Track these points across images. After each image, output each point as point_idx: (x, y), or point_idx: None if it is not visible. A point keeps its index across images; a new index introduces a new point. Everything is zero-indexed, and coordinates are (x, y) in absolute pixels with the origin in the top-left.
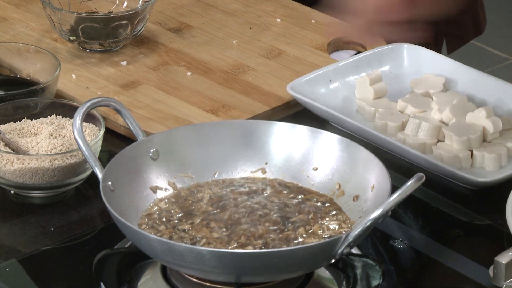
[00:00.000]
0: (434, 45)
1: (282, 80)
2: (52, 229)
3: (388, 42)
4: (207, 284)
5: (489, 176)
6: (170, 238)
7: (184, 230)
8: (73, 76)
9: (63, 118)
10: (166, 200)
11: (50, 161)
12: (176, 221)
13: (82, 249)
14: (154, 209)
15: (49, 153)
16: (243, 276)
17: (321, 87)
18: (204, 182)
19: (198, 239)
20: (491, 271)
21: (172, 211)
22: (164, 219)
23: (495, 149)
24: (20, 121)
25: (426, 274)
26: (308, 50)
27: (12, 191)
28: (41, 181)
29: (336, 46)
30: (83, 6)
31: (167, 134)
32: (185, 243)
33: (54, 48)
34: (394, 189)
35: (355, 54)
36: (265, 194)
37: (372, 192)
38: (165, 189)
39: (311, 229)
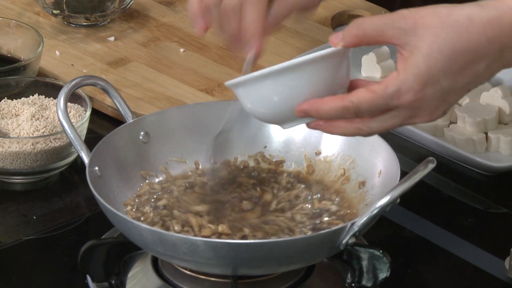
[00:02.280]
0: None
1: (282, 57)
2: (34, 217)
3: None
4: (202, 277)
5: (505, 161)
6: (152, 220)
7: (164, 207)
8: (57, 53)
9: (46, 98)
10: (157, 181)
11: (32, 145)
12: (159, 202)
13: (66, 240)
14: (143, 190)
15: (31, 135)
16: (240, 268)
17: None
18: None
19: (178, 213)
20: (507, 263)
21: (160, 193)
22: (152, 200)
23: None
24: None
25: (437, 266)
26: (309, 24)
27: None
28: (22, 166)
29: (341, 20)
30: None
31: (158, 116)
32: (164, 220)
33: (36, 23)
34: (402, 174)
35: None
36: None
37: (379, 178)
38: (156, 175)
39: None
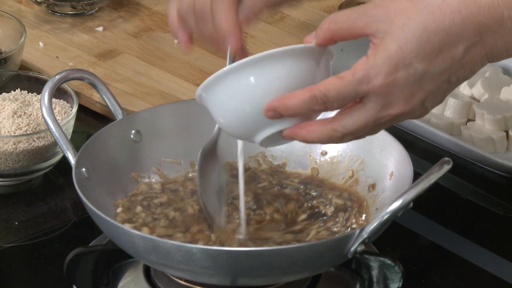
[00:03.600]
0: None
1: None
2: (16, 223)
3: None
4: (198, 287)
5: None
6: (144, 221)
7: (160, 205)
8: (41, 44)
9: (29, 93)
10: (153, 181)
11: (14, 144)
12: (156, 201)
13: (51, 247)
14: (140, 190)
15: (12, 134)
16: (240, 278)
17: None
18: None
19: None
20: None
21: (157, 193)
22: (147, 199)
23: None
24: None
25: (453, 275)
26: (316, 14)
27: None
28: (3, 167)
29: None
30: None
31: (151, 112)
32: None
33: (18, 12)
34: (416, 176)
35: None
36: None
37: (390, 180)
38: (149, 176)
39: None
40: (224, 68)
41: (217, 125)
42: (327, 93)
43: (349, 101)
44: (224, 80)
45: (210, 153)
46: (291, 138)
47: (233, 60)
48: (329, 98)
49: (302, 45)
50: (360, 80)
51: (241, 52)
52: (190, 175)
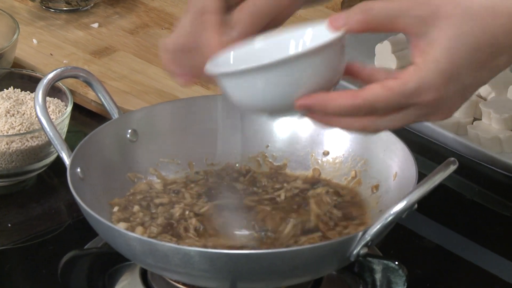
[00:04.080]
0: None
1: None
2: (9, 225)
3: None
4: None
5: None
6: (142, 220)
7: (161, 204)
8: (34, 41)
9: (23, 91)
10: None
11: (7, 144)
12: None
13: (45, 250)
14: (140, 189)
15: (5, 133)
16: (239, 282)
17: None
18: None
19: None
20: None
21: (155, 193)
22: (143, 201)
23: None
24: None
25: (459, 279)
26: (317, 10)
27: None
28: None
29: (352, 4)
30: None
31: (147, 111)
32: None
33: (11, 8)
34: (420, 177)
35: None
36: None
37: (394, 181)
38: (146, 177)
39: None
40: (260, 64)
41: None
42: (374, 105)
43: (394, 110)
44: (259, 73)
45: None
46: (311, 120)
47: None
48: (376, 109)
49: (337, 36)
50: (411, 94)
51: None
52: (192, 176)
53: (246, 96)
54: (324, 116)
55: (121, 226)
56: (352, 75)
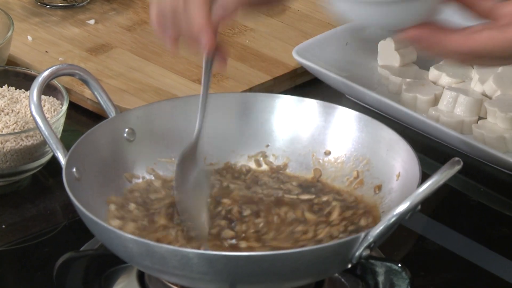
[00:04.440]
0: None
1: (286, 43)
2: (3, 226)
3: None
4: None
5: None
6: (137, 217)
7: (158, 199)
8: (29, 38)
9: (17, 90)
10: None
11: (1, 143)
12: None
13: (40, 252)
14: (138, 187)
15: None
16: (239, 284)
17: (335, 52)
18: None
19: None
20: None
21: (154, 191)
22: (140, 198)
23: None
24: None
25: (464, 282)
26: (318, 6)
27: None
28: None
29: None
30: None
31: (145, 110)
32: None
33: (5, 4)
34: (424, 177)
35: None
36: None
37: (397, 181)
38: (143, 177)
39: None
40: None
41: (196, 129)
42: (491, 54)
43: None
44: (379, 5)
45: (189, 158)
46: (411, 41)
47: (209, 61)
48: (491, 55)
49: None
50: None
51: (218, 51)
52: None
53: (361, 18)
54: (435, 47)
55: (114, 224)
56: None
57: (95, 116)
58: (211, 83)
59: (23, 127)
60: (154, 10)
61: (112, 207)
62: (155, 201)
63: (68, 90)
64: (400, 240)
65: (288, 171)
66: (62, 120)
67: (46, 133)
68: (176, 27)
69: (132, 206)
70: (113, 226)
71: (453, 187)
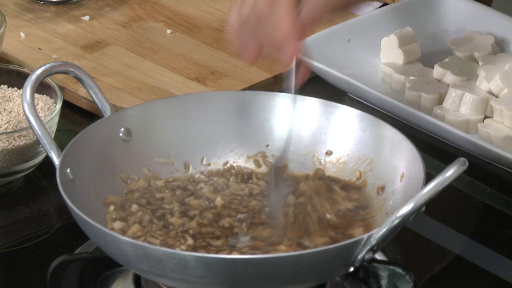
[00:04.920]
0: None
1: None
2: None
3: None
4: None
5: None
6: (141, 218)
7: (161, 199)
8: (22, 34)
9: (10, 88)
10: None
11: None
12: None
13: (34, 255)
14: (138, 186)
15: None
16: None
17: (337, 49)
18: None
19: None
20: None
21: (156, 190)
22: (142, 198)
23: None
24: None
25: (469, 285)
26: None
27: None
28: None
29: None
30: None
31: (141, 109)
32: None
33: None
34: (428, 178)
35: (380, 7)
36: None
37: (401, 182)
38: (139, 178)
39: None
40: None
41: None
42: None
43: None
44: None
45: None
46: None
47: (293, 70)
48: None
49: None
50: None
51: (304, 58)
52: (197, 175)
53: None
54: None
55: (116, 226)
56: None
57: (90, 115)
58: (209, 82)
59: (16, 127)
60: (235, 10)
61: (112, 208)
62: (160, 201)
63: (62, 89)
64: (403, 242)
65: (288, 171)
66: (56, 119)
67: (40, 132)
68: (258, 38)
69: (134, 207)
70: (116, 229)
71: (458, 187)
